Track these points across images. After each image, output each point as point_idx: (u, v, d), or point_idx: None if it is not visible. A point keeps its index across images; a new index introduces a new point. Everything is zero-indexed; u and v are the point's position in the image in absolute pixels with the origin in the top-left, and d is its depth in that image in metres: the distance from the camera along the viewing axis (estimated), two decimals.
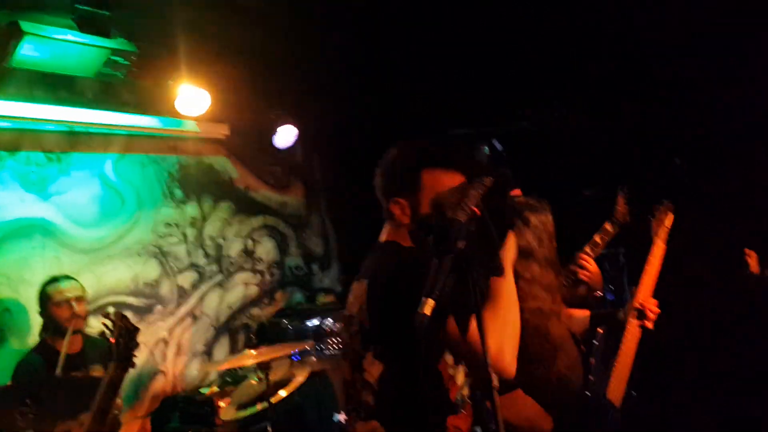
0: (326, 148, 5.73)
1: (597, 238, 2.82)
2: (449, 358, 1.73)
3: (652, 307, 2.51)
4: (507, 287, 1.65)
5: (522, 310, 1.67)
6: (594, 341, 2.51)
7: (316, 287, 5.65)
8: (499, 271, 1.59)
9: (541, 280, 2.19)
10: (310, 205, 5.79)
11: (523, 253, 2.09)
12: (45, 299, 3.40)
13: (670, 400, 3.59)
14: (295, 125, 4.97)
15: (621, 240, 3.06)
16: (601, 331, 2.53)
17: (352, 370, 1.80)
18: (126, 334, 1.88)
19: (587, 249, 2.76)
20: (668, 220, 2.79)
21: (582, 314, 2.58)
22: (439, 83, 4.66)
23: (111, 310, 4.17)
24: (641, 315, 2.51)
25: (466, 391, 1.78)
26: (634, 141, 4.27)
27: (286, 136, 5.00)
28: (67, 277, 3.48)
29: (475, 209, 1.45)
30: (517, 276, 1.83)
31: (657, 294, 2.61)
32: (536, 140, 4.59)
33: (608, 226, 2.88)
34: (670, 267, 2.72)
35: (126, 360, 1.81)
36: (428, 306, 1.25)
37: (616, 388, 2.45)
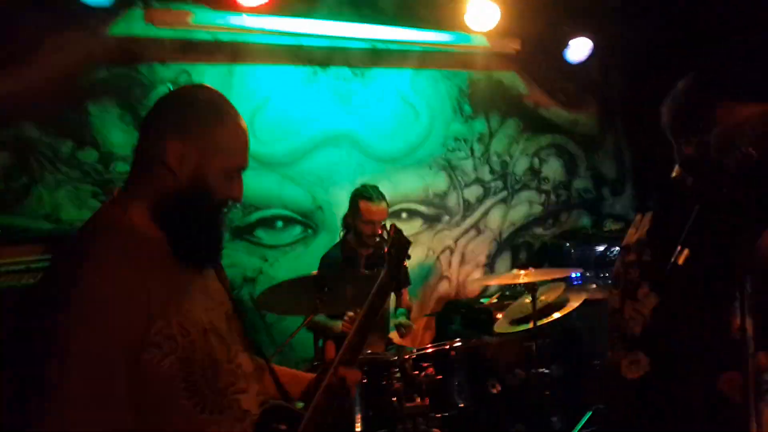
0: (625, 63, 5.27)
1: None
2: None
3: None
4: None
5: None
6: None
7: (605, 212, 5.38)
8: None
9: None
10: (605, 125, 5.45)
11: None
12: (355, 211, 3.67)
13: None
14: (590, 38, 4.66)
15: None
16: None
17: (623, 300, 1.73)
18: (398, 245, 2.01)
19: None
20: None
21: None
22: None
23: (404, 216, 4.65)
24: None
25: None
26: None
27: (579, 49, 4.72)
28: (378, 196, 3.66)
29: (752, 151, 1.21)
30: None
31: None
32: None
33: None
34: None
35: (396, 270, 1.94)
36: (682, 256, 1.13)
37: None
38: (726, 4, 4.08)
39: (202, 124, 1.37)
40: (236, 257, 4.10)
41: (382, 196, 3.68)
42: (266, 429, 1.39)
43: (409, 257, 2.06)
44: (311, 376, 1.68)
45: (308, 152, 4.33)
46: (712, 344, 1.54)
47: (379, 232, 3.60)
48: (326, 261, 3.78)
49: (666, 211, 1.65)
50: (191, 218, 1.35)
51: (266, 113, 4.18)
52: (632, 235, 1.75)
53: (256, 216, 4.17)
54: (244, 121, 1.44)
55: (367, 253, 3.79)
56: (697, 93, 1.64)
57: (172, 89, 1.54)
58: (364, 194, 3.65)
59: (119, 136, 3.75)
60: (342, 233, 3.88)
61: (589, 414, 3.73)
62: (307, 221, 4.34)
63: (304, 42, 4.23)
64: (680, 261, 1.14)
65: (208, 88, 1.47)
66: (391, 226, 2.04)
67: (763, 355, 1.42)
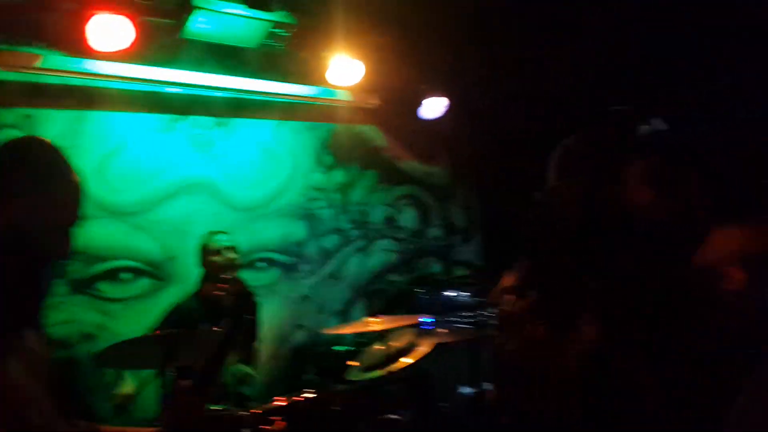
0: (475, 120, 5.64)
1: None
2: None
3: None
4: None
5: None
6: None
7: (454, 259, 5.68)
8: None
9: None
10: (455, 177, 5.78)
11: None
12: (203, 250, 3.73)
13: None
14: (444, 96, 4.95)
15: None
16: None
17: (501, 337, 1.83)
18: (243, 298, 2.01)
19: None
20: None
21: None
22: (600, 56, 4.39)
23: (262, 265, 4.60)
24: None
25: None
26: None
27: (434, 107, 5.00)
28: (222, 232, 3.80)
29: (591, 203, 1.37)
30: None
31: None
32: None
33: None
34: None
35: (239, 320, 1.94)
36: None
37: None
38: (568, 80, 4.52)
39: (29, 179, 1.31)
40: (74, 312, 3.83)
41: (223, 232, 3.80)
42: None
43: (255, 311, 2.06)
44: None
45: (162, 201, 4.17)
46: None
47: (232, 262, 3.63)
48: (180, 310, 3.67)
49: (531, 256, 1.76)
50: (4, 278, 1.27)
51: (118, 160, 3.96)
52: (510, 275, 1.83)
53: (98, 268, 3.92)
54: (76, 177, 1.39)
55: (224, 299, 3.75)
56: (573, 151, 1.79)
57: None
58: (207, 235, 3.76)
59: None
60: (200, 285, 3.81)
61: None
62: (157, 272, 4.16)
63: (164, 89, 4.09)
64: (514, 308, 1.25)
65: (39, 141, 1.41)
66: (237, 279, 2.04)
67: None
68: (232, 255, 3.71)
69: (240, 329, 1.94)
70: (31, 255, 1.31)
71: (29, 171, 1.32)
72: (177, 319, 3.49)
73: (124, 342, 2.98)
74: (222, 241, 3.74)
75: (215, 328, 1.82)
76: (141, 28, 3.45)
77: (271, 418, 3.13)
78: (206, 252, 3.73)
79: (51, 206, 1.33)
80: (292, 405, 3.35)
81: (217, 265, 3.68)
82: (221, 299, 3.72)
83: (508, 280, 1.83)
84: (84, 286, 3.87)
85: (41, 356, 1.41)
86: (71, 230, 1.38)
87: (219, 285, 3.69)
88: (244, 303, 2.01)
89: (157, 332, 2.90)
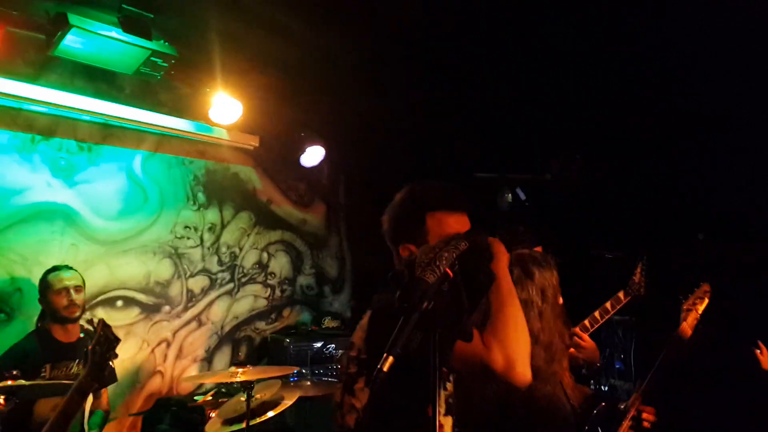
0: (352, 171, 5.77)
1: (608, 305, 2.78)
2: (441, 408, 1.72)
3: (649, 417, 2.41)
4: (508, 298, 1.65)
5: None
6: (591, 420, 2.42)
7: (324, 309, 5.63)
8: (468, 336, 1.57)
9: (540, 338, 2.13)
10: (330, 227, 5.81)
11: (524, 306, 2.06)
12: (45, 286, 3.46)
13: None
14: (322, 146, 5.03)
15: (635, 307, 2.99)
16: (597, 411, 2.44)
17: (343, 393, 1.80)
18: (105, 344, 1.86)
19: (586, 323, 2.72)
20: (702, 305, 2.59)
21: (583, 390, 2.49)
22: (468, 124, 4.67)
23: (119, 303, 4.31)
24: (638, 424, 2.41)
25: None
26: (660, 209, 4.16)
27: (312, 155, 5.05)
28: (68, 267, 3.55)
29: (448, 271, 1.44)
30: None
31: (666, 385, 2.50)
32: (559, 193, 4.54)
33: (621, 295, 2.83)
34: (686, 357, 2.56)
35: (99, 370, 1.79)
36: (387, 363, 1.27)
37: None
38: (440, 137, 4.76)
39: None
40: None
41: (71, 268, 3.57)
42: None
43: (115, 356, 1.92)
44: None
45: (12, 226, 3.84)
46: None
47: (75, 301, 3.38)
48: (16, 351, 3.37)
49: (380, 312, 1.76)
50: None
51: None
52: (358, 331, 1.84)
53: None
54: None
55: (69, 340, 3.47)
56: (406, 205, 1.84)
57: None
58: (50, 270, 3.52)
59: None
60: (37, 323, 3.50)
61: None
62: (1, 305, 3.78)
63: (26, 106, 3.82)
64: (385, 368, 1.26)
65: None
66: (99, 321, 1.90)
67: None
68: (75, 295, 3.46)
69: (100, 376, 1.80)
70: None
71: None
72: (14, 361, 3.18)
73: None
74: (66, 278, 3.48)
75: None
76: (6, 39, 3.25)
77: None
78: (46, 289, 3.45)
79: None
80: None
81: (57, 304, 3.43)
82: (63, 341, 3.45)
83: (356, 338, 1.84)
84: None
85: None
86: None
87: (71, 327, 3.43)
88: (108, 348, 1.87)
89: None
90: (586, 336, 2.67)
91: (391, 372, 1.25)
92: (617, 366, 4.27)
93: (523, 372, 1.56)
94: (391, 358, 1.26)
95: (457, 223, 1.77)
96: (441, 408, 1.73)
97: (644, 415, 2.41)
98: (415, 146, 5.01)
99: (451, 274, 1.44)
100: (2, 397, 2.55)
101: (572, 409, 2.24)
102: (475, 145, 4.78)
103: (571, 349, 2.55)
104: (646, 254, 3.00)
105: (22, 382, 2.65)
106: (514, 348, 1.56)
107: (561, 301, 2.24)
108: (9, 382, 2.58)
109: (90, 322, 1.90)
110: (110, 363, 1.91)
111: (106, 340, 1.86)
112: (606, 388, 4.15)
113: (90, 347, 1.80)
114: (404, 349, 1.27)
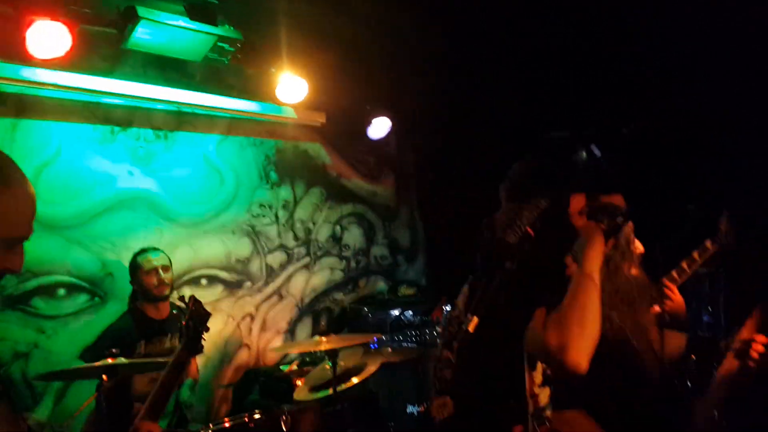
0: (420, 141, 5.74)
1: (695, 255, 2.66)
2: (537, 377, 1.72)
3: (759, 346, 2.28)
4: (583, 285, 1.62)
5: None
6: (686, 367, 2.34)
7: (399, 278, 5.69)
8: (553, 299, 1.54)
9: (623, 291, 2.08)
10: (400, 197, 5.84)
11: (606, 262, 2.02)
12: (135, 268, 3.68)
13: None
14: (389, 117, 5.02)
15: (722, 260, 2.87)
16: (694, 357, 2.36)
17: (443, 349, 1.84)
18: (197, 319, 1.96)
19: (674, 274, 2.60)
20: None
21: (677, 337, 2.40)
22: (539, 83, 4.55)
23: (204, 282, 4.51)
24: (744, 351, 2.29)
25: (548, 413, 1.76)
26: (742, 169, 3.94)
27: (380, 127, 5.06)
28: (155, 249, 3.76)
29: (529, 230, 1.41)
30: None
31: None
32: (637, 149, 4.37)
33: (708, 244, 2.70)
34: None
35: (193, 343, 1.89)
36: (472, 323, 1.26)
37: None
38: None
39: None
40: (7, 330, 3.65)
41: (158, 249, 3.77)
42: None
43: (207, 329, 2.02)
44: None
45: (100, 214, 4.05)
46: (505, 399, 1.69)
47: (165, 280, 3.57)
48: (112, 331, 3.62)
49: (478, 277, 1.79)
50: None
51: (54, 171, 3.86)
52: (461, 294, 1.86)
53: (33, 283, 3.76)
54: (32, 188, 1.32)
55: (160, 317, 3.67)
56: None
57: None
58: (139, 252, 3.73)
59: None
60: (129, 303, 3.75)
61: None
62: (95, 289, 4.02)
63: (103, 100, 4.00)
64: (471, 328, 1.26)
65: None
66: (190, 297, 2.00)
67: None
68: (163, 274, 3.64)
69: (195, 349, 1.90)
70: None
71: None
72: (112, 340, 3.39)
73: (66, 371, 2.94)
74: (154, 259, 3.67)
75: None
76: (81, 36, 3.39)
77: None
78: (137, 270, 3.67)
79: (7, 216, 1.25)
80: (238, 425, 3.29)
81: (147, 284, 3.63)
82: (155, 318, 3.66)
83: (459, 300, 1.86)
84: (17, 302, 3.70)
85: None
86: (23, 244, 1.32)
87: (165, 279, 3.62)
88: (200, 322, 1.97)
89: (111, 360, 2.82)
90: (674, 287, 2.55)
91: (478, 332, 1.24)
92: (705, 319, 4.11)
93: (576, 360, 1.54)
94: (475, 319, 1.25)
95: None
96: (537, 378, 1.73)
97: (754, 345, 2.24)
98: (481, 113, 4.93)
99: (532, 233, 1.41)
100: (105, 375, 2.74)
101: (661, 363, 2.19)
102: (545, 106, 4.65)
103: (666, 302, 2.46)
104: (733, 207, 2.85)
105: (122, 360, 2.84)
106: (572, 335, 1.54)
107: (640, 250, 2.16)
108: (110, 361, 2.76)
109: (182, 299, 2.01)
110: (203, 336, 2.01)
111: (198, 314, 1.96)
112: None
113: (184, 323, 1.90)
114: (488, 311, 1.27)
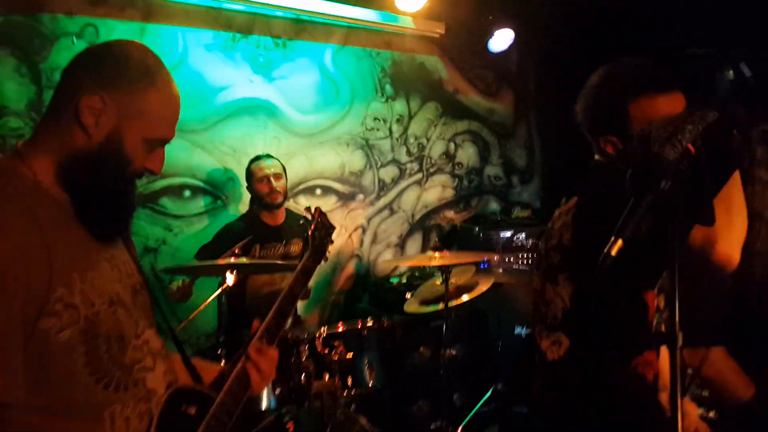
0: (542, 57, 5.42)
1: None
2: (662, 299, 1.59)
3: None
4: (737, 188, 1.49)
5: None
6: None
7: (513, 200, 5.54)
8: (709, 220, 1.37)
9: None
10: (518, 116, 5.60)
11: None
12: (249, 175, 3.79)
13: None
14: (512, 29, 4.76)
15: None
16: None
17: (544, 283, 1.74)
18: (323, 229, 1.97)
19: None
20: None
21: None
22: None
23: (318, 192, 4.59)
24: None
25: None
26: None
27: (501, 39, 4.81)
28: (268, 156, 3.82)
29: (690, 147, 1.23)
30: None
31: None
32: None
33: None
34: None
35: (319, 253, 1.91)
36: (616, 247, 1.14)
37: None
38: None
39: (129, 84, 1.25)
40: (138, 226, 3.89)
41: (272, 157, 3.82)
42: (173, 411, 1.32)
43: (332, 242, 2.03)
44: (219, 366, 1.61)
45: (222, 121, 4.18)
46: (631, 328, 1.59)
47: (277, 188, 3.66)
48: (225, 231, 3.75)
49: (590, 198, 1.65)
50: (99, 184, 1.24)
51: (178, 77, 3.95)
52: (556, 220, 1.75)
53: (161, 183, 3.97)
54: (177, 90, 1.33)
55: (275, 223, 3.79)
56: (607, 90, 1.65)
57: (75, 43, 1.40)
58: (253, 159, 3.82)
59: (13, 89, 3.47)
60: (250, 207, 3.89)
61: (489, 392, 3.87)
62: (217, 192, 4.20)
63: (225, 6, 4.05)
64: (613, 252, 1.15)
65: (143, 47, 1.32)
66: (315, 209, 2.01)
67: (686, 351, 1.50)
68: (276, 182, 3.71)
69: (320, 259, 1.93)
70: (128, 164, 1.27)
71: (132, 72, 1.26)
72: (226, 241, 3.49)
73: (192, 267, 3.12)
74: (266, 166, 3.74)
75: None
76: None
77: (334, 343, 3.20)
78: (250, 177, 3.77)
79: (154, 115, 1.27)
80: (352, 331, 3.39)
81: (260, 191, 3.71)
82: (270, 224, 3.77)
83: (555, 219, 1.72)
84: (147, 201, 3.94)
85: (134, 266, 1.40)
86: (164, 146, 1.34)
87: (277, 187, 3.71)
88: (326, 234, 1.98)
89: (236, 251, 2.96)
90: None
91: (617, 258, 1.14)
92: None
93: (728, 253, 1.45)
94: (620, 242, 1.14)
95: (670, 104, 1.54)
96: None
97: None
98: (612, 25, 4.54)
99: (693, 150, 1.24)
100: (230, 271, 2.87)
101: None
102: (685, 17, 4.21)
103: None
104: None
105: (244, 259, 2.96)
106: (719, 225, 1.38)
107: None
108: (233, 260, 2.89)
109: (308, 209, 2.02)
110: (328, 248, 2.02)
111: (323, 226, 1.97)
112: None
113: (309, 233, 1.92)
114: (635, 233, 1.15)
